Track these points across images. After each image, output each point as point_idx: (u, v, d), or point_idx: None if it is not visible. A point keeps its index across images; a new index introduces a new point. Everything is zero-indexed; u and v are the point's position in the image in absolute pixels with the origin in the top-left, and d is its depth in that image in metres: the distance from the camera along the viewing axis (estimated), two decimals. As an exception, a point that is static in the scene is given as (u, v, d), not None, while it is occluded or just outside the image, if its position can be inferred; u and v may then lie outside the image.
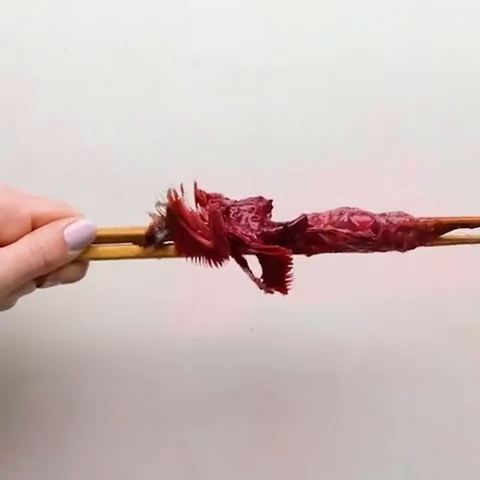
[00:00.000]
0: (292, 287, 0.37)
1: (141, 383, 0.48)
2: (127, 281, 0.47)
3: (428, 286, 0.50)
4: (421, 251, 0.49)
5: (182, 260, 0.47)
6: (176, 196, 0.36)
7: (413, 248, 0.39)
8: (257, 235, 0.37)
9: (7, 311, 0.37)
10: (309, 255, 0.39)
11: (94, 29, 0.50)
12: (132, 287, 0.48)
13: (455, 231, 0.39)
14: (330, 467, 0.48)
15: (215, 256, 0.37)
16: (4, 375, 0.48)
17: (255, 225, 0.38)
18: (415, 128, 0.49)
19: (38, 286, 0.37)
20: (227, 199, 0.38)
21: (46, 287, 0.37)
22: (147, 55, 0.50)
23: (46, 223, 0.36)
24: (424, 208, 0.50)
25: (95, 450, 0.48)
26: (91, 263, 0.48)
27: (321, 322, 0.49)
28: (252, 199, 0.39)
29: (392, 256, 0.49)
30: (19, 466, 0.48)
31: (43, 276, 0.36)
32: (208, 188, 0.39)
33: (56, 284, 0.37)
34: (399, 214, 0.39)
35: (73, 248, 0.36)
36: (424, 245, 0.40)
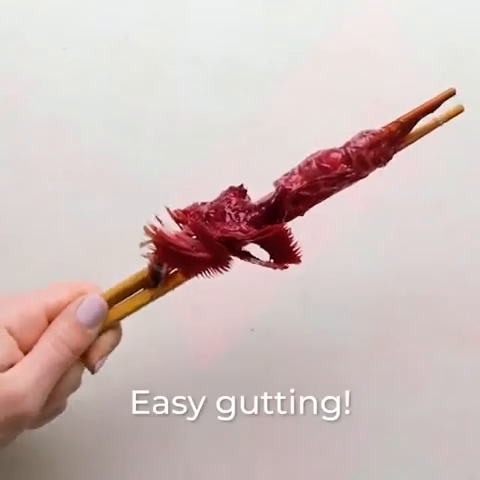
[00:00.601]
0: (302, 254, 0.37)
1: (138, 384, 0.48)
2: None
3: (428, 285, 0.50)
4: (420, 251, 0.50)
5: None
6: (155, 229, 0.36)
7: (391, 158, 0.39)
8: (246, 224, 0.37)
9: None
10: (302, 215, 0.38)
11: (94, 28, 0.50)
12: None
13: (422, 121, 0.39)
14: (331, 468, 0.48)
15: (218, 263, 0.37)
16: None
17: (240, 216, 0.37)
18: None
19: (92, 372, 0.37)
20: (203, 203, 0.38)
21: (99, 368, 0.38)
22: (147, 53, 0.50)
23: (60, 312, 0.36)
24: (424, 208, 0.50)
25: (93, 452, 0.48)
26: (85, 263, 0.48)
27: (321, 322, 0.49)
28: (224, 193, 0.38)
29: (391, 256, 0.49)
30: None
31: (88, 363, 0.37)
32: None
33: (105, 359, 0.38)
34: (361, 135, 0.39)
35: (91, 326, 0.36)
36: (400, 149, 0.39)
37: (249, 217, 0.37)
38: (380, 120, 0.47)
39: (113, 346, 0.38)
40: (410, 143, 0.39)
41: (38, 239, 0.49)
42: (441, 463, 0.48)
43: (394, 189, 0.49)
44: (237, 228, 0.37)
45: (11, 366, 0.34)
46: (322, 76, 0.50)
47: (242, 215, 0.37)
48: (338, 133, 0.49)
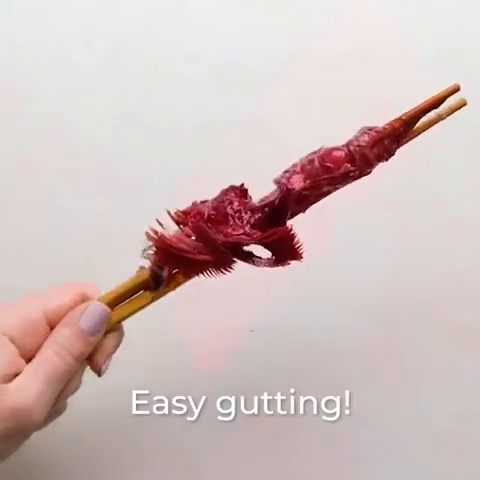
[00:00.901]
0: (304, 250, 0.37)
1: (138, 384, 0.48)
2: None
3: (428, 286, 0.50)
4: (420, 251, 0.50)
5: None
6: (156, 233, 0.36)
7: (394, 154, 0.38)
8: (250, 227, 0.36)
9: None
10: (304, 212, 0.38)
11: (93, 28, 0.50)
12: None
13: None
14: (331, 468, 0.48)
15: (221, 265, 0.36)
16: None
17: (243, 218, 0.36)
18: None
19: (99, 375, 0.37)
20: (203, 202, 0.37)
21: (105, 370, 0.37)
22: (146, 53, 0.50)
23: (62, 316, 0.36)
24: (424, 208, 0.50)
25: (93, 452, 0.48)
26: (85, 263, 0.48)
27: (321, 322, 0.49)
28: (224, 191, 0.37)
29: (391, 256, 0.49)
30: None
31: (95, 366, 0.37)
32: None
33: (110, 360, 0.37)
34: (363, 132, 0.38)
35: (93, 333, 0.36)
36: (403, 145, 0.38)
37: (252, 219, 0.36)
38: (380, 120, 0.46)
39: (115, 347, 0.38)
40: (413, 137, 0.39)
41: (38, 239, 0.49)
42: (441, 463, 0.48)
43: (394, 189, 0.49)
44: (241, 231, 0.36)
45: (15, 375, 0.34)
46: (322, 76, 0.50)
47: (245, 217, 0.36)
48: (338, 133, 0.49)
